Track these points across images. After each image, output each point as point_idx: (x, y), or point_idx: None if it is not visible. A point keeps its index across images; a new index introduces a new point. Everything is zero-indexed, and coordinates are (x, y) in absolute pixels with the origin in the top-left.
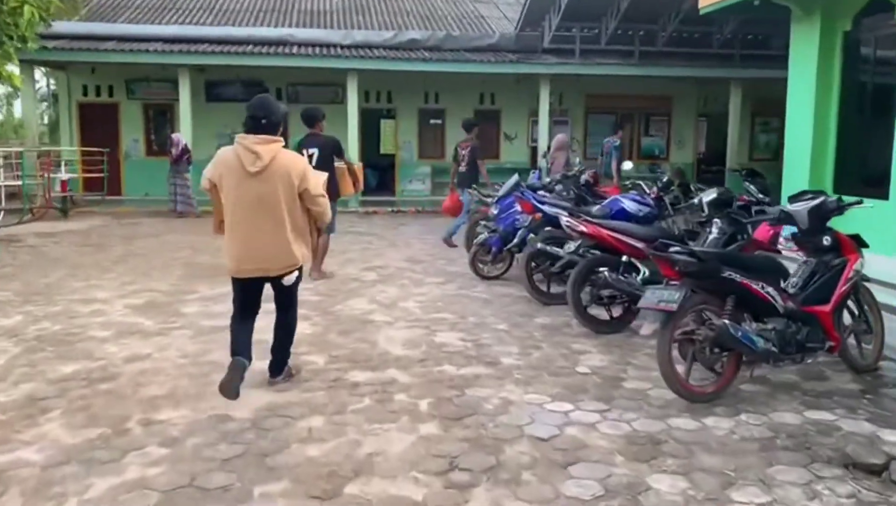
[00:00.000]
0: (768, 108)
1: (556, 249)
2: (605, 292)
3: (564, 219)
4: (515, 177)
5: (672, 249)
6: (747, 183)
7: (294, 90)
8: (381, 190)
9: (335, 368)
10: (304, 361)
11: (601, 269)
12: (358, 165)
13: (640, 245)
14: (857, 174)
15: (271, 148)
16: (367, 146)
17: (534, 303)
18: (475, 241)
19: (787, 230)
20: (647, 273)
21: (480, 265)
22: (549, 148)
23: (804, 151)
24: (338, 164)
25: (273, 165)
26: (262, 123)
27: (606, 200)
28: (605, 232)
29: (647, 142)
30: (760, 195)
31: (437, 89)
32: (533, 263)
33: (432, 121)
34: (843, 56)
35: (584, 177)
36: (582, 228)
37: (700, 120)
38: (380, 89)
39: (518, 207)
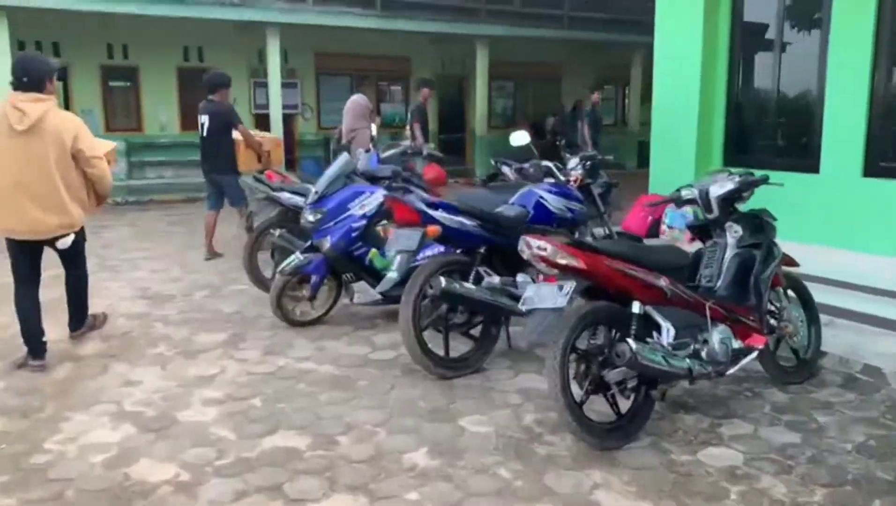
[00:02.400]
0: (506, 71)
1: (467, 288)
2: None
3: (534, 245)
4: (344, 157)
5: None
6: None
7: None
8: None
9: None
10: None
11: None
12: (263, 136)
13: (662, 282)
14: (764, 142)
15: (39, 106)
16: None
17: (427, 378)
18: (283, 268)
19: (675, 217)
20: (672, 331)
21: (291, 306)
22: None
23: (687, 115)
24: (235, 134)
25: (42, 123)
26: (23, 81)
27: (518, 193)
28: (616, 266)
29: (385, 109)
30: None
31: (124, 40)
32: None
33: (120, 83)
34: None
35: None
36: (572, 259)
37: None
38: (41, 38)
39: (357, 210)
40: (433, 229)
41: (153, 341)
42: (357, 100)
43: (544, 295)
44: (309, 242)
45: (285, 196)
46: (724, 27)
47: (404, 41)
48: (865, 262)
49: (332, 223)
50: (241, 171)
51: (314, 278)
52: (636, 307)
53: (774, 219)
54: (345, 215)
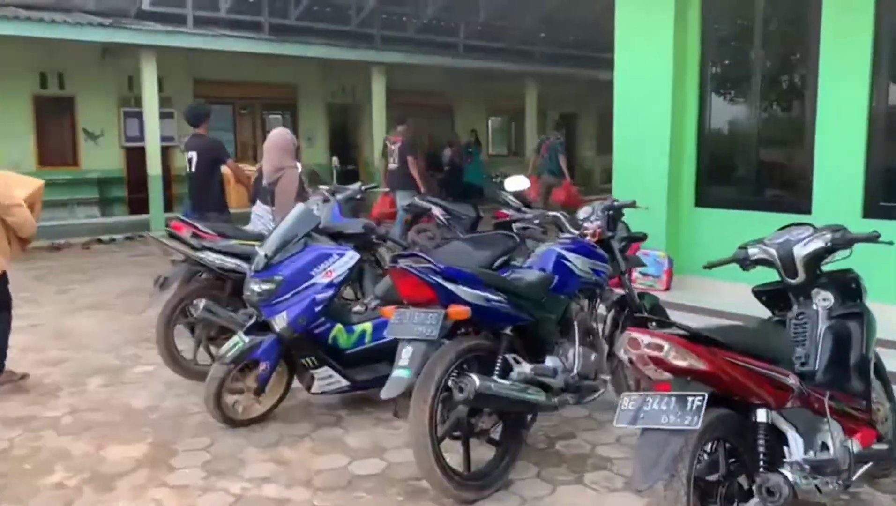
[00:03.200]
0: (398, 101)
1: (506, 386)
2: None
3: (644, 342)
4: (300, 209)
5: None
6: (505, 193)
7: None
8: None
9: None
10: None
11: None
12: (250, 170)
13: (791, 380)
14: (744, 177)
15: None
16: None
17: (439, 500)
18: (224, 355)
19: (651, 262)
20: (800, 441)
21: (231, 401)
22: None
23: (656, 146)
24: (224, 169)
25: None
26: None
27: (537, 252)
28: (740, 362)
29: None
30: (525, 208)
31: None
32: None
33: None
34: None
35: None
36: (695, 361)
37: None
38: None
39: (322, 277)
40: (460, 311)
41: (46, 464)
42: (281, 133)
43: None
44: (252, 319)
45: (210, 257)
46: (694, 48)
47: (291, 68)
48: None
49: (288, 295)
50: (230, 208)
51: (264, 366)
52: (763, 415)
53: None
54: (306, 285)
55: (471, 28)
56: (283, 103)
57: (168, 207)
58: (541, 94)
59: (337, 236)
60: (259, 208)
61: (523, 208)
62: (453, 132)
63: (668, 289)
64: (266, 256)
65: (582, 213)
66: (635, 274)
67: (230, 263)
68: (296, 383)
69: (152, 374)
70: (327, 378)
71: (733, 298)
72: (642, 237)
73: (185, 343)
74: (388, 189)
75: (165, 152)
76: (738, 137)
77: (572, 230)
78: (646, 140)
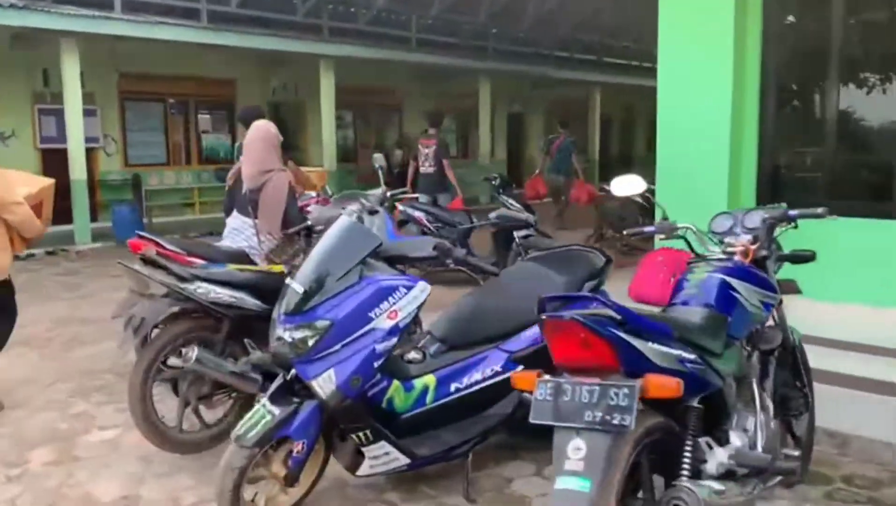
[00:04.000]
0: (345, 98)
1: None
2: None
3: None
4: (346, 224)
5: None
6: (504, 197)
7: None
8: None
9: None
10: None
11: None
12: (310, 171)
13: None
14: (814, 179)
15: None
16: None
17: None
18: (242, 433)
19: None
20: None
21: (248, 491)
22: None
23: (712, 147)
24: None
25: None
26: None
27: (696, 280)
28: None
29: (208, 140)
30: (526, 214)
31: None
32: None
33: None
34: None
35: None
36: None
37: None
38: None
39: (384, 321)
40: (665, 386)
41: None
42: (264, 127)
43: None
44: (281, 379)
45: (203, 290)
46: (755, 46)
47: (229, 61)
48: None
49: (337, 347)
50: None
51: (300, 446)
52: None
53: None
54: (363, 332)
55: (422, 22)
56: (219, 101)
57: (94, 216)
58: (493, 92)
59: (394, 261)
60: (236, 221)
61: (525, 214)
62: (402, 133)
63: None
64: (304, 291)
65: (717, 223)
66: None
67: (229, 296)
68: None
69: (116, 443)
70: (382, 456)
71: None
72: (810, 256)
73: (165, 403)
74: (418, 194)
75: (89, 155)
76: (809, 139)
77: (713, 247)
78: (699, 146)
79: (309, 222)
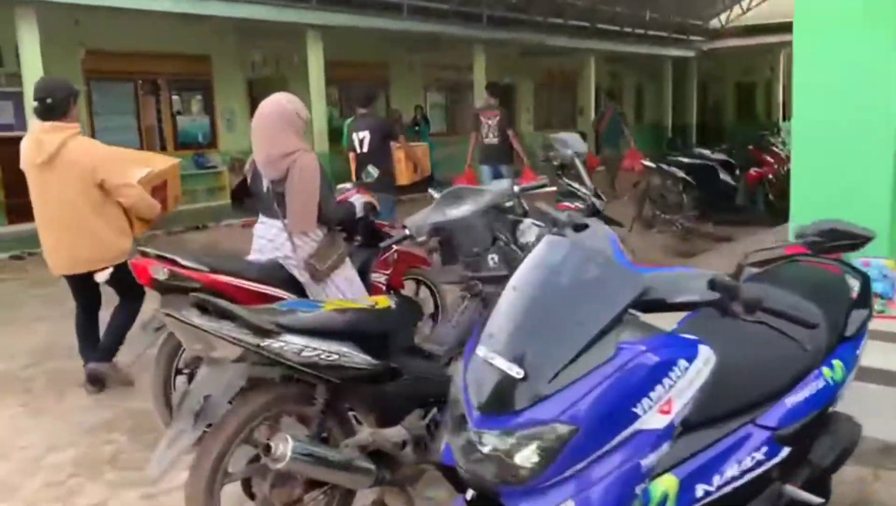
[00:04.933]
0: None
1: None
2: None
3: None
4: (578, 250)
5: None
6: (566, 180)
7: None
8: None
9: None
10: None
11: None
12: (421, 147)
13: None
14: None
15: (57, 136)
16: None
17: None
18: None
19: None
20: None
21: None
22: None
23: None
24: (395, 147)
25: (61, 154)
26: (46, 106)
27: None
28: None
29: (184, 123)
30: (596, 198)
31: None
32: None
33: None
34: None
35: None
36: None
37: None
38: None
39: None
40: None
41: None
42: (280, 102)
43: None
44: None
45: (291, 347)
46: None
47: (204, 35)
48: None
49: (582, 465)
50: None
51: None
52: None
53: None
54: (623, 437)
55: None
56: (195, 79)
57: None
58: (489, 64)
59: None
60: (264, 227)
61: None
62: (392, 108)
63: None
64: (524, 374)
65: None
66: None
67: (329, 353)
68: None
69: None
70: None
71: None
72: None
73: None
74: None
75: None
76: None
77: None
78: (856, 127)
79: (406, 232)
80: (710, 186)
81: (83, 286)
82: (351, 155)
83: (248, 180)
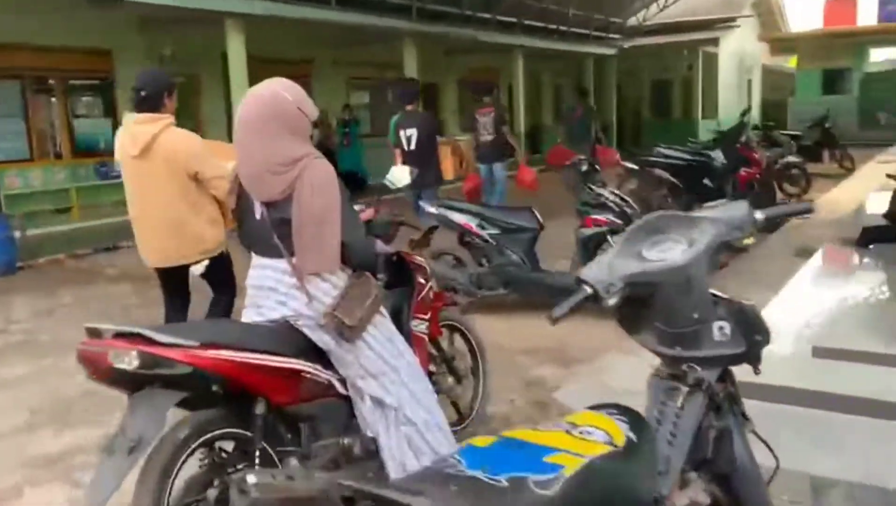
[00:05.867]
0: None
1: None
2: None
3: None
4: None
5: None
6: (598, 189)
7: None
8: None
9: None
10: None
11: None
12: (463, 141)
13: None
14: None
15: (150, 127)
16: None
17: None
18: None
19: None
20: None
21: None
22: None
23: None
24: (441, 142)
25: (154, 146)
26: (142, 96)
27: None
28: None
29: (81, 126)
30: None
31: None
32: None
33: None
34: None
35: None
36: None
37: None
38: None
39: None
40: None
41: None
42: (269, 96)
43: None
44: None
45: None
46: None
47: (104, 26)
48: None
49: None
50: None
51: None
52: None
53: None
54: None
55: None
56: (95, 77)
57: None
58: (422, 59)
59: None
60: (262, 271)
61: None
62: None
63: None
64: None
65: None
66: None
67: None
68: None
69: None
70: None
71: None
72: None
73: None
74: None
75: None
76: None
77: None
78: None
79: (587, 290)
80: (698, 188)
81: (176, 280)
82: (397, 152)
83: (232, 204)
